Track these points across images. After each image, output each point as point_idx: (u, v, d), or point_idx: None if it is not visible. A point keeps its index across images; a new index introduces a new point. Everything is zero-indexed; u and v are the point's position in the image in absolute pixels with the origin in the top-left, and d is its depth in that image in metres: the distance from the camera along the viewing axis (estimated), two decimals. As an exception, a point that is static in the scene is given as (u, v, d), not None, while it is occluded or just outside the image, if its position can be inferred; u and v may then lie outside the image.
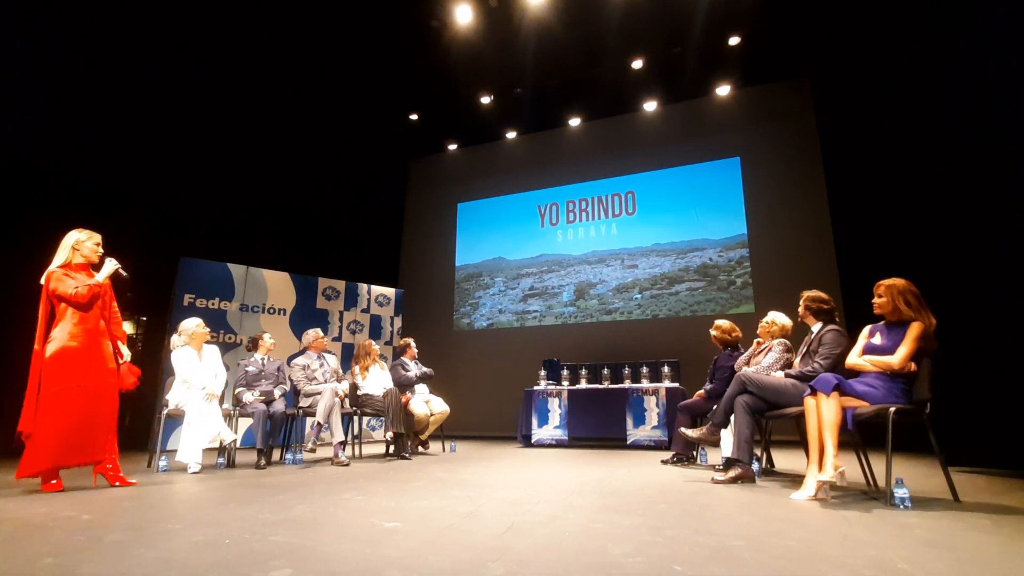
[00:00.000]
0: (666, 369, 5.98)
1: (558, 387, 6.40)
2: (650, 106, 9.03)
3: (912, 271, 2.99)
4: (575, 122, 9.65)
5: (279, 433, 4.55)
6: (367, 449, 5.67)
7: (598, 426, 6.05)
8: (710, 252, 8.34)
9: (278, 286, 6.85)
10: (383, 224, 10.66)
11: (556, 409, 6.24)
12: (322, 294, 7.19)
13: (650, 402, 5.83)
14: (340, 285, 7.38)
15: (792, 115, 8.18)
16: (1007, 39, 4.06)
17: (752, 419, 3.12)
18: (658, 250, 8.70)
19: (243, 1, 6.33)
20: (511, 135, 10.13)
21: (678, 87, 8.53)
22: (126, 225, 6.16)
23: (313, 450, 4.55)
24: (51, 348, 2.95)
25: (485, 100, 8.91)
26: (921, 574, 1.40)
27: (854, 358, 2.83)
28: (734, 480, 3.05)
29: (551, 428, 6.21)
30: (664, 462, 4.22)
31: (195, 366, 4.12)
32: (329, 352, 5.33)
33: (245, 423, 5.38)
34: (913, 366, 2.60)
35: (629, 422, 5.86)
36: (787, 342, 3.67)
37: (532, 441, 6.23)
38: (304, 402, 4.78)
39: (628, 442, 5.81)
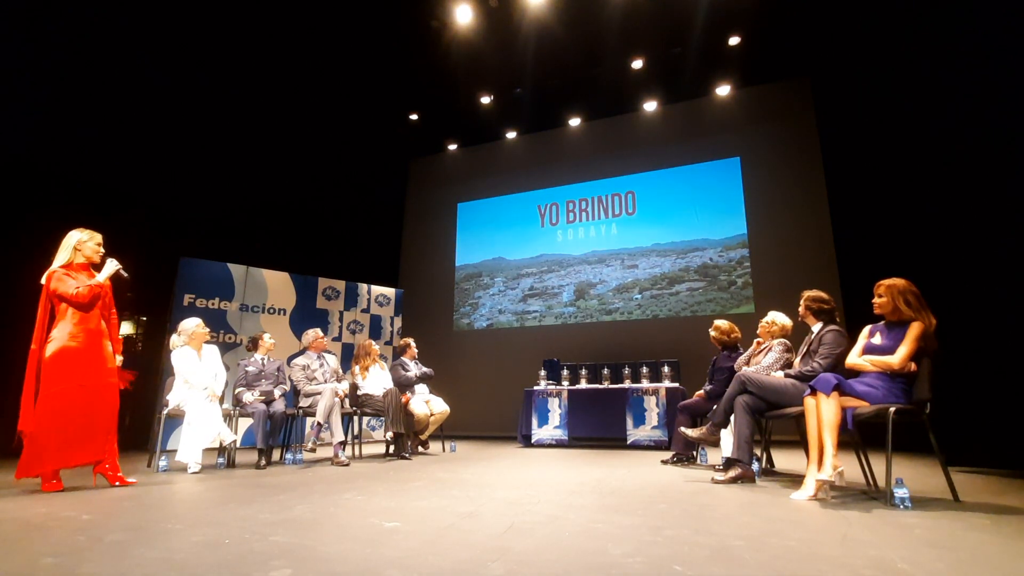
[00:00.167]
0: (666, 369, 5.98)
1: (558, 387, 6.40)
2: (650, 106, 9.03)
3: (912, 271, 2.99)
4: (575, 122, 9.65)
5: (279, 433, 4.56)
6: (367, 449, 5.67)
7: (598, 426, 6.05)
8: (710, 252, 8.34)
9: (278, 286, 6.85)
10: (383, 224, 10.66)
11: (556, 409, 6.25)
12: (322, 294, 7.19)
13: (650, 402, 5.83)
14: (340, 285, 7.38)
15: (792, 115, 8.18)
16: (1007, 39, 4.06)
17: (752, 419, 3.12)
18: (658, 250, 8.70)
19: (243, 1, 6.33)
20: (511, 135, 10.13)
21: (678, 87, 8.53)
22: (126, 225, 6.16)
23: (313, 450, 4.55)
24: (51, 348, 2.95)
25: (485, 100, 8.91)
26: (921, 574, 1.40)
27: (854, 358, 2.83)
28: (734, 480, 3.05)
29: (551, 428, 6.21)
30: (664, 462, 4.22)
31: (195, 366, 4.12)
32: (329, 352, 5.33)
33: (245, 423, 5.38)
34: (913, 366, 2.60)
35: (629, 422, 5.86)
36: (787, 342, 3.67)
37: (532, 441, 6.23)
38: (304, 402, 4.78)
39: (628, 442, 5.81)
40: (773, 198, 8.11)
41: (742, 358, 3.96)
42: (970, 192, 4.52)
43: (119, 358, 3.30)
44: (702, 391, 4.41)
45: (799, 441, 3.28)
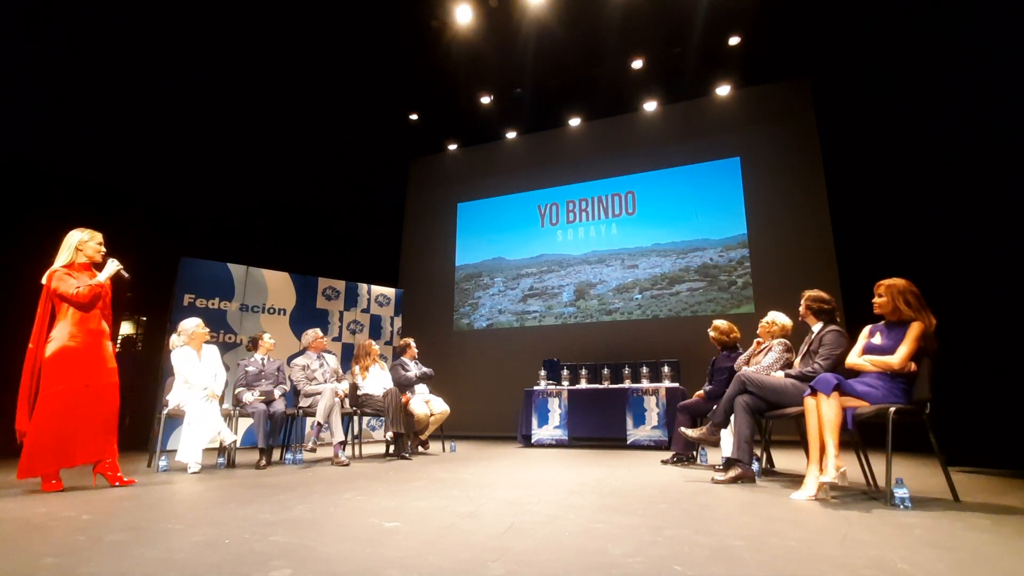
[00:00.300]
0: (666, 369, 5.98)
1: (558, 387, 6.40)
2: (650, 106, 9.03)
3: (912, 271, 2.99)
4: (575, 122, 9.65)
5: (279, 433, 4.56)
6: (367, 449, 5.67)
7: (598, 426, 6.05)
8: (711, 252, 8.33)
9: (278, 286, 6.85)
10: (383, 224, 10.66)
11: (556, 409, 6.25)
12: (322, 294, 7.19)
13: (650, 402, 5.83)
14: (340, 285, 7.38)
15: (792, 115, 8.18)
16: (1007, 39, 4.06)
17: (752, 419, 3.12)
18: (658, 250, 8.70)
19: (243, 1, 6.33)
20: (511, 135, 10.13)
21: (678, 87, 8.53)
22: (126, 225, 6.16)
23: (313, 450, 4.55)
24: (50, 348, 2.95)
25: (485, 100, 8.90)
26: (921, 574, 1.40)
27: (854, 358, 2.83)
28: (734, 480, 3.05)
29: (551, 428, 6.21)
30: (664, 462, 4.22)
31: (195, 366, 4.12)
32: (329, 352, 5.33)
33: (245, 423, 5.38)
34: (913, 366, 2.60)
35: (629, 422, 5.86)
36: (787, 342, 3.67)
37: (532, 441, 6.23)
38: (304, 402, 4.78)
39: (628, 442, 5.81)
40: (773, 198, 8.11)
41: (742, 358, 3.96)
42: (970, 192, 4.52)
43: None
44: (702, 391, 4.41)
45: (799, 441, 3.28)
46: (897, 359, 2.60)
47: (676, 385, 5.89)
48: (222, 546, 1.67)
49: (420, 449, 5.42)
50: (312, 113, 8.49)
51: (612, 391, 6.10)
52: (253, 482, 3.28)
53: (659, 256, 8.67)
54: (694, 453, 4.23)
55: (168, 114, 7.08)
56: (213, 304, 6.28)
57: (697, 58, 7.74)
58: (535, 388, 6.46)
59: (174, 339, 4.24)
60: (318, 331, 5.15)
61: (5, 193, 5.83)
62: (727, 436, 3.39)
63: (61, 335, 2.98)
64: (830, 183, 7.59)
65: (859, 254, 6.75)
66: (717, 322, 4.53)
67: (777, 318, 3.78)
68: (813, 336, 3.25)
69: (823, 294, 3.30)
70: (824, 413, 2.58)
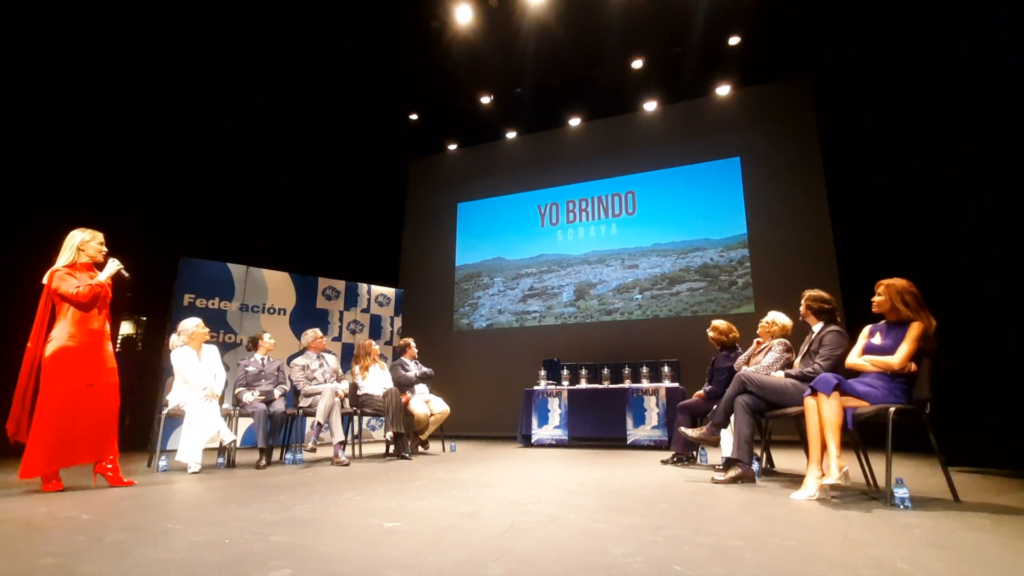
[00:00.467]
0: (666, 369, 5.98)
1: (558, 387, 6.40)
2: (650, 106, 9.03)
3: (912, 271, 2.99)
4: (575, 122, 9.65)
5: (279, 433, 4.56)
6: (367, 449, 5.67)
7: (598, 426, 6.05)
8: (711, 252, 8.33)
9: (278, 286, 6.85)
10: (383, 224, 10.66)
11: (556, 409, 6.25)
12: (322, 294, 7.19)
13: (650, 402, 5.83)
14: (340, 285, 7.38)
15: (792, 115, 8.18)
16: (1007, 39, 4.06)
17: (752, 419, 3.12)
18: (658, 250, 8.69)
19: (243, 1, 6.33)
20: (511, 135, 10.13)
21: (678, 87, 8.52)
22: (126, 225, 6.16)
23: (313, 450, 4.55)
24: (50, 348, 2.95)
25: (485, 100, 8.90)
26: (921, 574, 1.40)
27: (854, 358, 2.83)
28: (734, 480, 3.05)
29: (551, 428, 6.21)
30: (664, 462, 4.22)
31: (195, 366, 4.12)
32: (329, 352, 5.33)
33: (245, 423, 5.38)
34: (913, 366, 2.60)
35: (629, 422, 5.86)
36: (787, 342, 3.67)
37: (532, 441, 6.23)
38: (304, 402, 4.78)
39: (628, 442, 5.81)
40: (773, 198, 8.11)
41: (742, 358, 3.96)
42: (970, 192, 4.52)
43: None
44: (702, 391, 4.41)
45: (799, 441, 3.28)
46: (897, 359, 2.60)
47: (676, 385, 5.89)
48: (222, 546, 1.67)
49: (420, 449, 5.42)
50: (312, 113, 8.49)
51: (612, 391, 6.10)
52: (253, 482, 3.28)
53: (659, 256, 8.67)
54: (694, 453, 4.23)
55: (168, 114, 7.08)
56: (213, 304, 6.28)
57: (697, 58, 7.74)
58: (535, 388, 6.46)
59: (174, 339, 4.24)
60: (317, 331, 5.15)
61: (5, 193, 5.83)
62: (727, 436, 3.39)
63: (61, 335, 2.98)
64: (830, 183, 7.59)
65: (859, 254, 6.75)
66: (716, 322, 4.53)
67: (777, 318, 3.78)
68: (813, 336, 3.25)
69: (823, 294, 3.30)
70: (824, 413, 2.58)
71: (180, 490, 3.01)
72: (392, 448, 4.90)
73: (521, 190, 9.95)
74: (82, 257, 3.17)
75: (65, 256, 3.12)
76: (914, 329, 2.62)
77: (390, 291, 7.87)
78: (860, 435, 2.95)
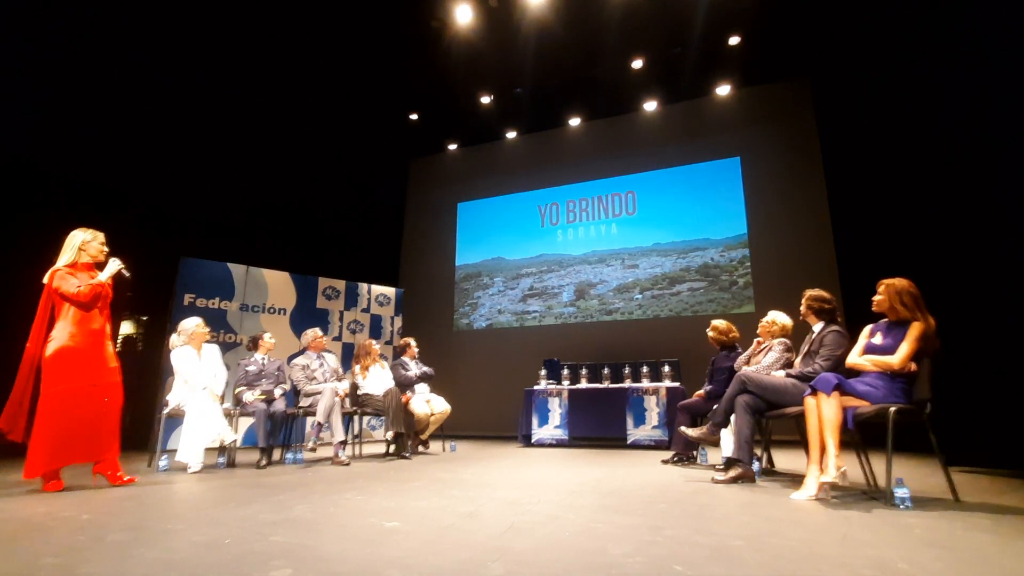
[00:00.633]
0: (666, 369, 5.98)
1: (558, 387, 6.40)
2: (650, 106, 9.02)
3: (912, 271, 2.99)
4: (575, 122, 9.64)
5: (279, 433, 4.56)
6: (367, 449, 5.67)
7: (598, 426, 6.05)
8: (711, 252, 8.33)
9: (278, 286, 6.85)
10: (383, 224, 10.66)
11: (556, 409, 6.25)
12: (322, 294, 7.19)
13: (650, 402, 5.83)
14: (340, 285, 7.38)
15: (792, 115, 8.18)
16: (1007, 39, 4.06)
17: (752, 419, 3.12)
18: (659, 250, 8.69)
19: (243, 1, 6.33)
20: (511, 135, 10.13)
21: (678, 87, 8.52)
22: (126, 225, 6.16)
23: (314, 450, 4.55)
24: (51, 348, 2.95)
25: (485, 100, 8.90)
26: (921, 574, 1.40)
27: (854, 358, 2.83)
28: (734, 480, 3.05)
29: (551, 428, 6.21)
30: (664, 462, 4.22)
31: (195, 366, 4.12)
32: (329, 351, 5.33)
33: (245, 423, 5.38)
34: (913, 366, 2.61)
35: (629, 422, 5.86)
36: (787, 341, 3.67)
37: (532, 441, 6.23)
38: (304, 402, 4.78)
39: (628, 442, 5.81)
40: (773, 198, 8.11)
41: (742, 358, 3.96)
42: (970, 192, 4.52)
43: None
44: (702, 391, 4.41)
45: (799, 441, 3.28)
46: (897, 359, 2.60)
47: (676, 385, 5.89)
48: (222, 546, 1.67)
49: (420, 449, 5.42)
50: (312, 113, 8.49)
51: (612, 391, 6.10)
52: (253, 482, 3.28)
53: (659, 256, 8.66)
54: (694, 453, 4.23)
55: (168, 114, 7.08)
56: (213, 304, 6.28)
57: (697, 58, 7.74)
58: (535, 388, 6.46)
59: (174, 339, 4.24)
60: (317, 331, 5.15)
61: (5, 193, 5.83)
62: (727, 436, 3.39)
63: (61, 335, 2.98)
64: (830, 183, 7.59)
65: (859, 254, 6.75)
66: (716, 322, 4.53)
67: (777, 318, 3.78)
68: (814, 336, 3.25)
69: (824, 293, 3.30)
70: (824, 413, 2.58)
71: (180, 490, 3.01)
72: (392, 448, 4.90)
73: (521, 190, 9.95)
74: (83, 257, 3.17)
75: (66, 256, 3.13)
76: (914, 329, 2.62)
77: (390, 291, 7.87)
78: (860, 435, 2.95)
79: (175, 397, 4.08)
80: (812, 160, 7.85)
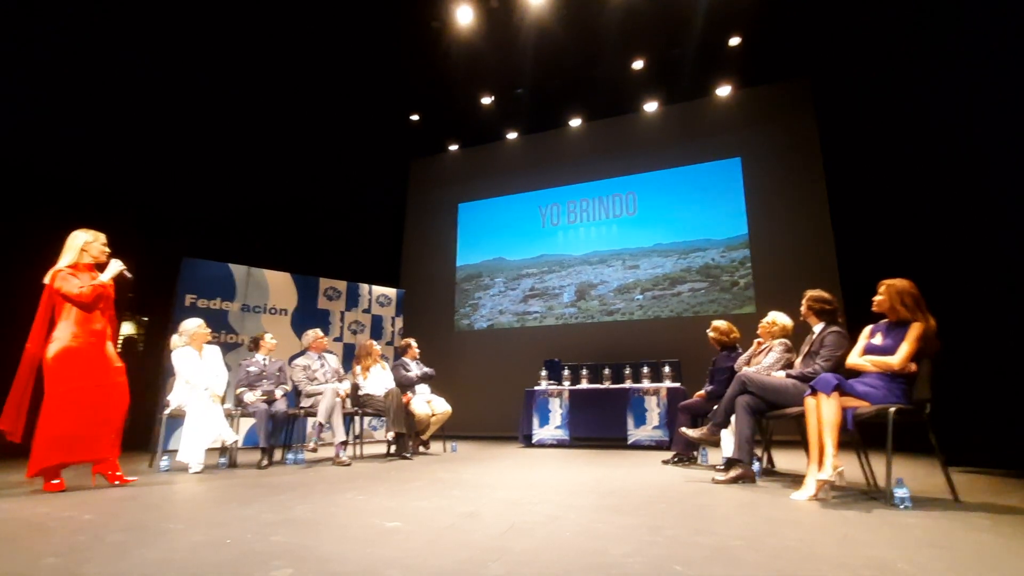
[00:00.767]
0: (667, 369, 5.99)
1: (559, 387, 6.40)
2: (651, 106, 9.03)
3: (913, 271, 2.99)
4: (576, 123, 9.65)
5: (280, 433, 4.56)
6: (368, 449, 5.67)
7: (599, 426, 6.06)
8: (712, 252, 8.33)
9: (279, 286, 6.86)
10: (384, 225, 10.67)
11: (557, 409, 6.25)
12: (323, 294, 7.20)
13: (651, 402, 5.83)
14: (341, 285, 7.38)
15: (793, 115, 8.17)
16: (1008, 39, 4.05)
17: (753, 419, 3.12)
18: (659, 250, 8.69)
19: (244, 1, 6.34)
20: (512, 136, 10.13)
21: (678, 87, 8.51)
22: (128, 226, 6.17)
23: (315, 450, 4.56)
24: (53, 348, 2.95)
25: (486, 101, 8.91)
26: (921, 574, 1.40)
27: (854, 358, 2.83)
28: (735, 480, 3.05)
29: (552, 428, 6.21)
30: (665, 462, 4.22)
31: (196, 366, 4.13)
32: (330, 352, 5.34)
33: (246, 423, 5.39)
34: (913, 366, 2.61)
35: (630, 422, 5.86)
36: (788, 342, 3.67)
37: (533, 441, 6.23)
38: (305, 402, 4.78)
39: (629, 442, 5.81)
40: (774, 199, 8.10)
41: (742, 358, 3.96)
42: (970, 192, 4.52)
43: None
44: (702, 391, 4.41)
45: (800, 441, 3.28)
46: (897, 359, 2.60)
47: (677, 385, 5.89)
48: (223, 546, 1.68)
49: (421, 449, 5.43)
50: (313, 114, 8.50)
51: (613, 391, 6.10)
52: (254, 482, 3.28)
53: (660, 256, 8.66)
54: (695, 453, 4.23)
55: (170, 115, 7.09)
56: (215, 304, 6.29)
57: (697, 59, 7.74)
58: (536, 388, 6.47)
59: (175, 339, 4.25)
60: (318, 331, 5.16)
61: (6, 194, 5.84)
62: (728, 436, 3.39)
63: (64, 335, 2.99)
64: (831, 183, 7.59)
65: (860, 254, 6.74)
66: (716, 322, 4.53)
67: (777, 318, 3.78)
68: (814, 336, 3.25)
69: (825, 294, 3.30)
70: (824, 413, 2.58)
71: (181, 490, 3.02)
72: (393, 448, 4.91)
73: (522, 190, 9.96)
74: (85, 258, 3.17)
75: (68, 257, 3.13)
76: (914, 330, 2.62)
77: (391, 291, 7.88)
78: (860, 435, 2.95)
79: (176, 398, 4.09)
80: (813, 160, 7.85)
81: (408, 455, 4.81)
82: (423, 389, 5.58)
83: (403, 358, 5.73)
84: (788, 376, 3.19)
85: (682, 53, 7.71)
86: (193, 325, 4.25)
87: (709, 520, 2.07)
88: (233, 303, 6.44)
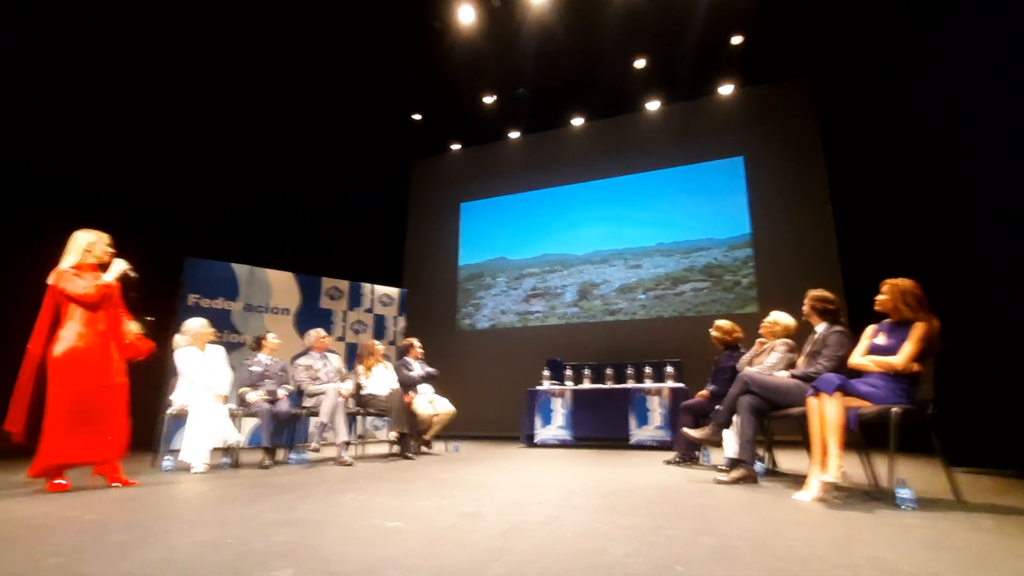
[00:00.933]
0: (670, 369, 5.98)
1: (561, 387, 6.40)
2: (653, 106, 9.02)
3: (915, 271, 2.98)
4: (578, 122, 9.65)
5: (283, 433, 4.57)
6: (371, 449, 5.68)
7: (601, 426, 6.05)
8: (715, 252, 8.31)
9: (282, 286, 6.87)
10: (386, 224, 10.68)
11: (559, 409, 6.25)
12: (326, 294, 7.21)
13: (653, 402, 5.82)
14: (344, 285, 7.39)
15: (795, 114, 8.15)
16: (1008, 39, 4.03)
17: (755, 419, 3.11)
18: (662, 250, 8.68)
19: (245, 1, 6.35)
20: (514, 135, 10.13)
21: (680, 87, 8.50)
22: (130, 225, 6.17)
23: (317, 450, 4.56)
24: (59, 348, 2.96)
25: (488, 100, 8.91)
26: (922, 575, 1.40)
27: (857, 358, 2.82)
28: (737, 480, 3.05)
29: (554, 428, 6.21)
30: (667, 462, 4.21)
31: (199, 366, 4.14)
32: (332, 352, 5.35)
33: (249, 423, 5.40)
34: (916, 366, 2.59)
35: (632, 422, 5.86)
36: (790, 342, 3.66)
37: (535, 441, 6.23)
38: (308, 402, 4.79)
39: (631, 442, 5.80)
40: (777, 198, 8.09)
41: (744, 358, 3.95)
42: (973, 192, 4.50)
43: (134, 326, 3.33)
44: (705, 391, 4.40)
45: (802, 441, 3.27)
46: (900, 359, 2.59)
47: (680, 385, 5.88)
48: (225, 546, 1.68)
49: (423, 449, 5.43)
50: (316, 113, 8.51)
51: (615, 391, 6.09)
52: (256, 482, 3.29)
53: (663, 256, 8.65)
54: (697, 453, 4.22)
55: (172, 115, 7.10)
56: (217, 304, 6.30)
57: (699, 58, 7.72)
58: (538, 388, 6.46)
59: (178, 339, 4.26)
60: (320, 331, 5.17)
61: (6, 194, 5.86)
62: (730, 436, 3.39)
63: (69, 335, 3.00)
64: (833, 182, 7.57)
65: (862, 254, 6.72)
66: (719, 322, 4.52)
67: (779, 318, 3.77)
68: (817, 336, 3.24)
69: (827, 294, 3.29)
70: (826, 413, 2.57)
71: (184, 490, 3.03)
72: (396, 448, 4.91)
73: (524, 190, 9.96)
74: (88, 258, 3.18)
75: (71, 257, 3.14)
76: (917, 329, 2.61)
77: (394, 291, 7.88)
78: (863, 435, 2.94)
79: (179, 397, 4.10)
80: (815, 160, 7.83)
81: (410, 455, 4.81)
82: (426, 389, 5.58)
83: (406, 358, 5.74)
84: (791, 376, 3.18)
85: (684, 52, 7.69)
86: (196, 325, 4.26)
87: (711, 520, 2.07)
88: (236, 303, 6.46)
